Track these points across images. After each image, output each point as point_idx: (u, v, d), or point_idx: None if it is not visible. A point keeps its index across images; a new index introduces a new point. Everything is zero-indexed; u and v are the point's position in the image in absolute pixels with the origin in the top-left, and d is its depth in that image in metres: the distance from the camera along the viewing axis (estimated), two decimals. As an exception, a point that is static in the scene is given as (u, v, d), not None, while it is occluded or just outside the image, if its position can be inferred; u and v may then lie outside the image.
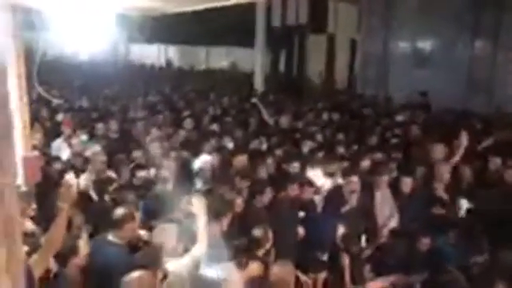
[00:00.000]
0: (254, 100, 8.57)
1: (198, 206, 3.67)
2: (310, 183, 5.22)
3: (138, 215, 3.82)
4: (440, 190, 5.49)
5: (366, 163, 5.84)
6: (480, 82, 10.62)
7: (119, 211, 3.64)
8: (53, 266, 3.23)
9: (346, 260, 4.80)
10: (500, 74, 10.40)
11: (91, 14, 4.34)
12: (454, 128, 7.84)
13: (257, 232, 3.96)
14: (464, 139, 5.76)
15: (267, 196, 4.77)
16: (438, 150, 6.04)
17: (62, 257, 3.20)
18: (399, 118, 7.97)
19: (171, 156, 5.62)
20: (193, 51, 23.54)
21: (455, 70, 10.86)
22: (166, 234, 3.65)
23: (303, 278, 4.44)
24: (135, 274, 2.96)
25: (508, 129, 7.54)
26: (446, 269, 4.53)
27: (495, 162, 5.63)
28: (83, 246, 3.38)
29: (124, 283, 2.91)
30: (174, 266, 3.40)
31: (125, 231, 3.60)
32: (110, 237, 3.60)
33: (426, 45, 11.91)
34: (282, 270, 3.40)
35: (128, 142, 6.59)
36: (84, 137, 6.61)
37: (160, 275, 3.23)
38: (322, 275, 4.55)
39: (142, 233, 3.97)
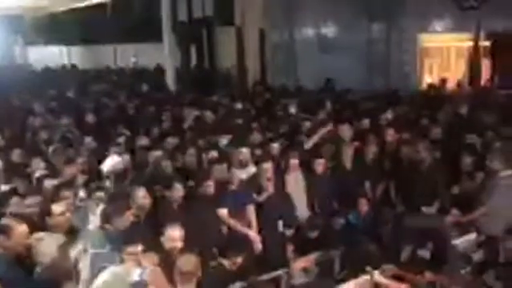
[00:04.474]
0: None
1: None
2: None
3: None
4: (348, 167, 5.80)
5: (275, 148, 5.94)
6: (377, 62, 11.33)
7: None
8: None
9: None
10: (395, 54, 11.19)
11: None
12: (356, 109, 8.39)
13: None
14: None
15: (177, 192, 4.64)
16: (344, 130, 6.38)
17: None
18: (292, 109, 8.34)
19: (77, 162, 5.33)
20: (99, 50, 22.45)
21: (356, 53, 11.45)
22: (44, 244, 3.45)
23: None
24: None
25: (404, 105, 8.18)
26: (359, 241, 4.83)
27: (390, 134, 6.06)
28: None
29: None
30: None
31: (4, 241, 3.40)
32: None
33: (328, 31, 12.41)
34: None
35: (29, 151, 6.11)
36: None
37: None
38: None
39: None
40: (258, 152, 5.95)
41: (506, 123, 6.68)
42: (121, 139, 6.49)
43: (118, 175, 5.18)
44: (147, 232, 3.82)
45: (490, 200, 4.74)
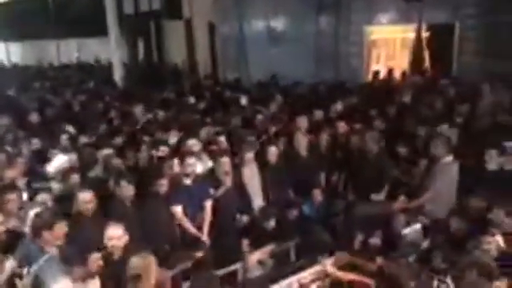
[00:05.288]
0: None
1: None
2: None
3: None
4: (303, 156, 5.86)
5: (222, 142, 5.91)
6: (326, 55, 11.54)
7: None
8: None
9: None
10: (343, 46, 11.45)
11: None
12: (306, 101, 8.52)
13: None
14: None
15: (125, 190, 4.50)
16: (300, 121, 6.46)
17: None
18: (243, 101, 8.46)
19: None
20: (41, 46, 21.43)
21: (304, 46, 11.59)
22: None
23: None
24: None
25: (352, 96, 8.39)
26: (313, 230, 4.91)
27: (341, 125, 6.20)
28: None
29: None
30: None
31: None
32: None
33: (277, 24, 12.46)
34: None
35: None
36: None
37: None
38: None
39: None
40: (214, 147, 5.89)
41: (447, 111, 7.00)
42: (64, 137, 6.23)
43: (65, 175, 4.96)
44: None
45: (435, 185, 4.95)
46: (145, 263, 3.19)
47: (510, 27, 9.02)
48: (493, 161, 4.84)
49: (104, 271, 3.60)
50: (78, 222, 3.92)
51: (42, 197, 4.32)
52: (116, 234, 3.69)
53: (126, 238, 3.72)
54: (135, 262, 3.19)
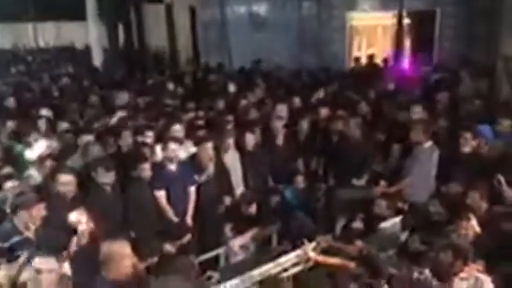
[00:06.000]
0: None
1: None
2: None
3: None
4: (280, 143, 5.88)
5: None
6: (309, 40, 11.54)
7: None
8: None
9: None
10: (325, 32, 11.45)
11: None
12: (289, 87, 8.50)
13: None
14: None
15: (102, 177, 4.43)
16: (280, 109, 6.45)
17: None
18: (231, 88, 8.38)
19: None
20: (17, 29, 20.84)
21: (287, 32, 11.56)
22: None
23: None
24: None
25: (334, 82, 8.40)
26: (294, 216, 4.95)
27: (324, 112, 6.20)
28: None
29: None
30: None
31: None
32: None
33: (260, 9, 12.35)
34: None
35: None
36: None
37: None
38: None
39: None
40: (201, 133, 5.84)
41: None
42: (42, 123, 6.11)
43: (42, 162, 4.87)
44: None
45: (415, 170, 5.03)
46: (117, 248, 3.16)
47: (488, 14, 9.13)
48: (467, 144, 4.92)
49: (75, 255, 3.60)
50: (57, 204, 3.87)
51: (9, 184, 4.24)
52: (80, 220, 3.67)
53: (90, 225, 3.70)
54: (107, 247, 3.16)
